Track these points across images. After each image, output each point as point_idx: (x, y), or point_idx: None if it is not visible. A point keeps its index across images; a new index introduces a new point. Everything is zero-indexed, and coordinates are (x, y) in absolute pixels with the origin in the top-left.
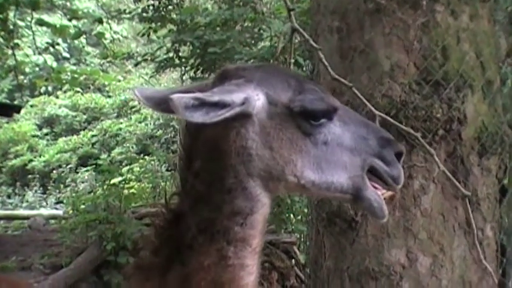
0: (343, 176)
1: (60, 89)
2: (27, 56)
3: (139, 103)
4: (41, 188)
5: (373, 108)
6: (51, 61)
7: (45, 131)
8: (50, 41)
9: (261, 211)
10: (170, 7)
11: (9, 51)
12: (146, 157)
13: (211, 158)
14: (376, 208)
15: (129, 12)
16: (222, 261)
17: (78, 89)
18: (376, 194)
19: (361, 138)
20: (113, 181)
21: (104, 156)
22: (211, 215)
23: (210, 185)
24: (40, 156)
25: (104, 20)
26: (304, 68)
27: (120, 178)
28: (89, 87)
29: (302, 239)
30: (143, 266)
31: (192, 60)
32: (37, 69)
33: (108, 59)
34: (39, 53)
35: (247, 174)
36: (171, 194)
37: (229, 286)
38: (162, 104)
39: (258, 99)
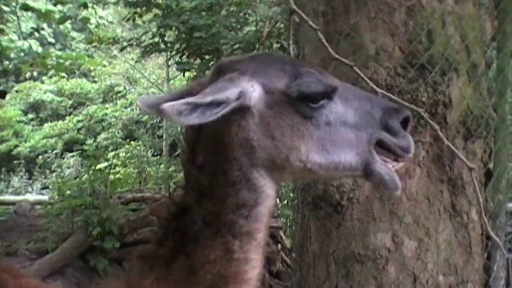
0: (350, 153)
1: (46, 74)
2: (12, 41)
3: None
4: (27, 174)
5: (374, 86)
6: (36, 46)
7: (30, 116)
8: (35, 26)
9: (265, 203)
10: None
11: None
12: (132, 142)
13: (214, 151)
14: (388, 181)
15: None
16: (228, 255)
17: (64, 74)
18: (386, 166)
19: (365, 113)
20: (98, 166)
21: (89, 141)
22: (216, 208)
23: (214, 178)
24: (25, 142)
25: (89, 5)
26: (291, 53)
27: (105, 163)
28: (75, 73)
29: (288, 224)
30: (147, 256)
31: (177, 45)
32: (22, 54)
33: (94, 44)
34: (24, 38)
35: (251, 166)
36: (176, 186)
37: (234, 280)
38: None
39: (253, 91)
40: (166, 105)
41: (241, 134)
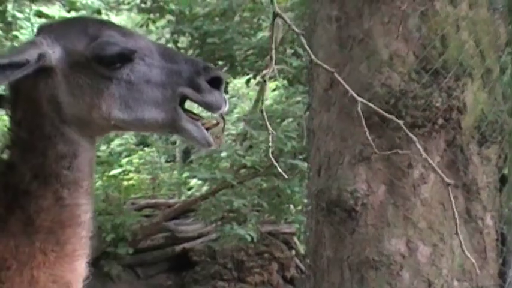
0: (155, 110)
1: None
2: None
3: None
4: None
5: (354, 94)
6: None
7: None
8: None
9: (83, 155)
10: None
11: (8, 43)
12: (145, 148)
13: (28, 108)
14: (196, 137)
15: (128, 3)
16: (59, 201)
17: None
18: (194, 123)
19: (173, 72)
20: (112, 172)
21: (103, 147)
22: (40, 160)
23: (31, 133)
24: None
25: (103, 11)
26: (303, 58)
27: (119, 169)
28: None
29: (302, 230)
30: None
31: (191, 51)
32: None
33: None
34: None
35: (61, 121)
36: (4, 146)
37: (69, 224)
38: None
39: (53, 53)
40: None
41: (48, 91)
